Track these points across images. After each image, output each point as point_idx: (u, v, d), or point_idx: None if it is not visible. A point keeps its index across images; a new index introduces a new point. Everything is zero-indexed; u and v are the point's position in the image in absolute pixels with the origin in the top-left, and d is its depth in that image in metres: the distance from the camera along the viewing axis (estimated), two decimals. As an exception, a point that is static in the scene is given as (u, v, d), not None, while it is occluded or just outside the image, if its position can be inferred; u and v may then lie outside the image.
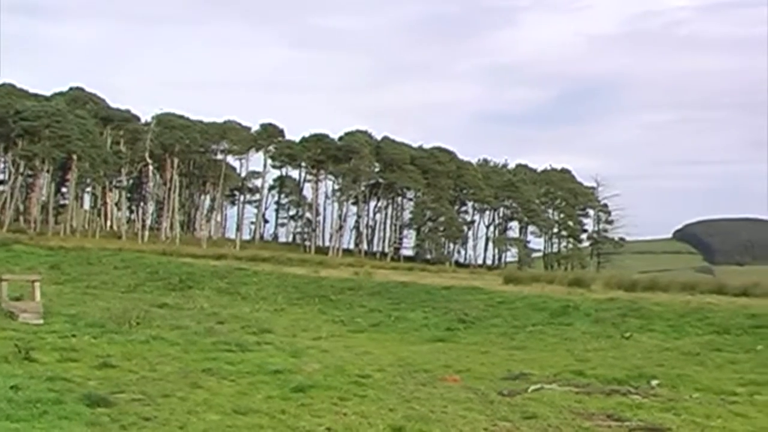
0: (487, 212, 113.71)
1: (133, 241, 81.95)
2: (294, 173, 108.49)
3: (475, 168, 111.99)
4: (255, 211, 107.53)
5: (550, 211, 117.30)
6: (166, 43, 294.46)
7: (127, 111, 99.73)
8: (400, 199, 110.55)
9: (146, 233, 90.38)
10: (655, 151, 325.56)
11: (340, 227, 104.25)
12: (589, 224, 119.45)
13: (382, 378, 14.93)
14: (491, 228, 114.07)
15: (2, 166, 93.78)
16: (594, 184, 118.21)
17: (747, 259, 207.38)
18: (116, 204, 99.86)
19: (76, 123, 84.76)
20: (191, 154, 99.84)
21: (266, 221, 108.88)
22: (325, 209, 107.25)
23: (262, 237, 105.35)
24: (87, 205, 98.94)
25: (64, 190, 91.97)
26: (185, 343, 17.72)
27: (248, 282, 39.78)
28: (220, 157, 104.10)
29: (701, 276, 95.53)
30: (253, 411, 11.30)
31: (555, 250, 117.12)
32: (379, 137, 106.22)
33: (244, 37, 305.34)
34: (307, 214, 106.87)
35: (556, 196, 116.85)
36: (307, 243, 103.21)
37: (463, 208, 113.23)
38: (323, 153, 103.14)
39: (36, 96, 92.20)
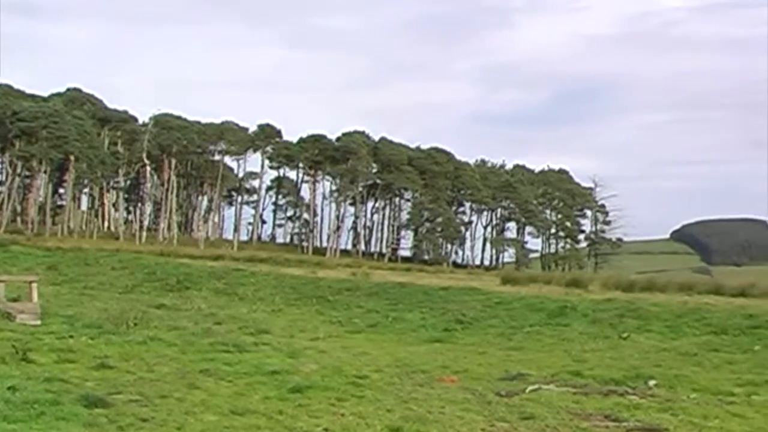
0: (485, 213, 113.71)
1: (131, 241, 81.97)
2: (291, 174, 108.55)
3: (472, 168, 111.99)
4: (252, 211, 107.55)
5: (548, 211, 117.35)
6: (164, 43, 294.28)
7: (125, 112, 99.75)
8: (397, 199, 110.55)
9: (144, 234, 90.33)
10: (653, 152, 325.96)
11: (338, 228, 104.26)
12: (586, 225, 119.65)
13: (380, 379, 14.93)
14: (489, 228, 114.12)
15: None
16: (591, 185, 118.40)
17: (744, 260, 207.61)
18: (114, 205, 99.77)
19: (73, 124, 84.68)
20: (189, 154, 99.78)
21: (264, 222, 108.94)
22: (322, 210, 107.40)
23: (259, 238, 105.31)
24: (84, 206, 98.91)
25: (61, 190, 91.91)
26: (183, 344, 17.71)
27: (246, 283, 39.78)
28: (217, 157, 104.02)
29: (699, 276, 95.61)
30: (250, 412, 11.30)
31: (552, 250, 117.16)
32: (376, 138, 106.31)
33: (241, 37, 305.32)
34: (305, 215, 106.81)
35: (554, 197, 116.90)
36: (305, 244, 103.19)
37: (461, 209, 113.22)
38: (321, 154, 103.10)
39: (33, 97, 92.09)
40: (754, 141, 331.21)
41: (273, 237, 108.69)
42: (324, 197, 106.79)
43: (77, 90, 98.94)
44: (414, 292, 34.93)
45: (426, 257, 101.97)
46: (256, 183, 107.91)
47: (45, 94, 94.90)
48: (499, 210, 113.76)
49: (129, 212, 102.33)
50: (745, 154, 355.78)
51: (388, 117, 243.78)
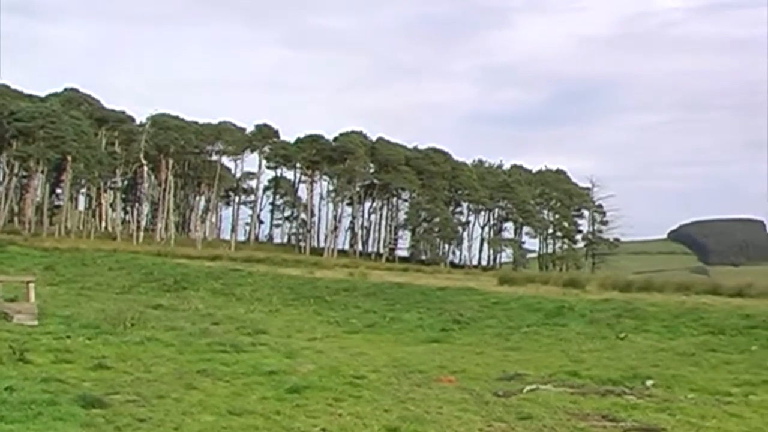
0: (482, 213, 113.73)
1: (128, 242, 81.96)
2: (289, 174, 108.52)
3: (470, 169, 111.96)
4: (250, 212, 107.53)
5: (545, 211, 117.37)
6: (162, 43, 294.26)
7: (122, 112, 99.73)
8: (395, 199, 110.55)
9: (141, 234, 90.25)
10: (650, 152, 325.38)
11: (335, 228, 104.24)
12: (584, 225, 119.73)
13: (377, 379, 14.94)
14: (486, 229, 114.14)
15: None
16: (589, 185, 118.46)
17: (742, 260, 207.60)
18: (111, 205, 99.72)
19: (70, 124, 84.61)
20: (186, 155, 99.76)
21: (261, 222, 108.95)
22: (320, 210, 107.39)
23: (257, 238, 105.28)
24: (82, 206, 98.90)
25: (58, 191, 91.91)
26: (180, 344, 17.72)
27: (243, 283, 39.78)
28: (215, 158, 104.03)
29: (696, 276, 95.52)
30: (248, 412, 11.30)
31: (550, 250, 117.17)
32: (374, 138, 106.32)
33: (240, 37, 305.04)
34: (302, 215, 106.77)
35: (551, 197, 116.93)
36: (302, 244, 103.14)
37: (458, 209, 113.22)
38: (318, 154, 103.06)
39: (30, 97, 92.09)
40: (751, 142, 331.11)
41: (270, 237, 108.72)
42: (321, 197, 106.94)
43: (74, 90, 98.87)
44: (411, 293, 34.93)
45: (423, 257, 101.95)
46: (253, 183, 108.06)
47: (42, 94, 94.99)
48: (496, 210, 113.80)
49: (126, 212, 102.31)
50: (743, 154, 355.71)
51: (387, 117, 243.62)
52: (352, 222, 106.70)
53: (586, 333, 24.62)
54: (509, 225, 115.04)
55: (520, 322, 27.11)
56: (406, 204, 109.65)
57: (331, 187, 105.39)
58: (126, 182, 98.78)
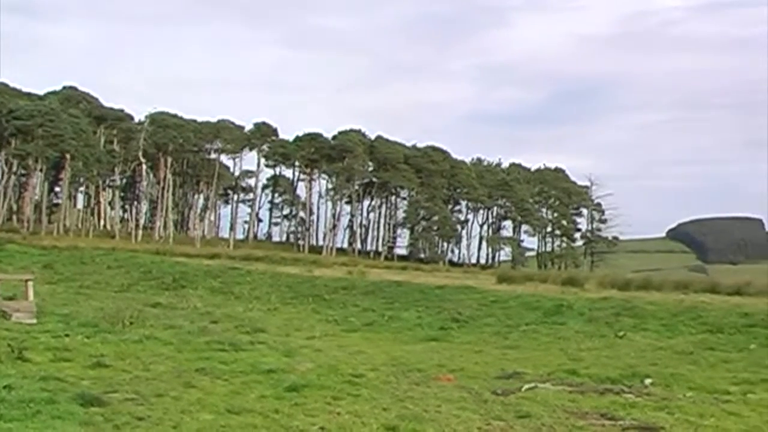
0: (481, 211, 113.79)
1: (127, 240, 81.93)
2: (287, 172, 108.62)
3: (468, 167, 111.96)
4: (248, 210, 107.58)
5: (544, 210, 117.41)
6: (161, 42, 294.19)
7: (121, 110, 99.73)
8: (393, 198, 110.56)
9: (140, 232, 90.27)
10: (649, 151, 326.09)
11: (334, 226, 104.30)
12: (582, 223, 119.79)
13: (376, 377, 14.93)
14: (485, 227, 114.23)
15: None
16: (588, 184, 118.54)
17: (740, 258, 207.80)
18: (109, 203, 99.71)
19: (69, 122, 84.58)
20: (185, 153, 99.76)
21: (260, 220, 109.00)
22: (318, 208, 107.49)
23: (255, 236, 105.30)
24: (80, 205, 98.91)
25: (57, 189, 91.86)
26: (178, 343, 17.72)
27: (242, 281, 39.75)
28: (213, 156, 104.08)
29: (694, 275, 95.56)
30: (246, 410, 11.29)
31: (548, 249, 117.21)
32: (372, 136, 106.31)
33: (238, 36, 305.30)
34: (301, 214, 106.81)
35: (550, 195, 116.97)
36: (301, 242, 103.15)
37: (457, 207, 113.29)
38: (317, 152, 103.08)
39: (29, 95, 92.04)
40: (749, 141, 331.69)
41: (269, 235, 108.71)
42: (320, 196, 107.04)
43: (73, 88, 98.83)
44: (410, 291, 34.93)
45: (422, 256, 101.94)
46: (252, 181, 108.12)
47: (41, 92, 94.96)
48: (495, 208, 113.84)
49: (125, 211, 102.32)
50: (741, 153, 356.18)
51: (386, 116, 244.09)
52: (350, 220, 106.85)
53: (585, 331, 24.61)
54: (508, 223, 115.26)
55: (518, 320, 27.10)
56: (405, 202, 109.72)
57: (329, 186, 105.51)
58: (125, 180, 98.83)
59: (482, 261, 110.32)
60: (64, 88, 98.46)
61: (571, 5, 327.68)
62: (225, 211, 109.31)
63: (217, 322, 23.80)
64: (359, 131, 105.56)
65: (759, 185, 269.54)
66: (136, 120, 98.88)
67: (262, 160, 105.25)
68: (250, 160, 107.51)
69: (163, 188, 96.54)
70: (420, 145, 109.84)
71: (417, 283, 38.20)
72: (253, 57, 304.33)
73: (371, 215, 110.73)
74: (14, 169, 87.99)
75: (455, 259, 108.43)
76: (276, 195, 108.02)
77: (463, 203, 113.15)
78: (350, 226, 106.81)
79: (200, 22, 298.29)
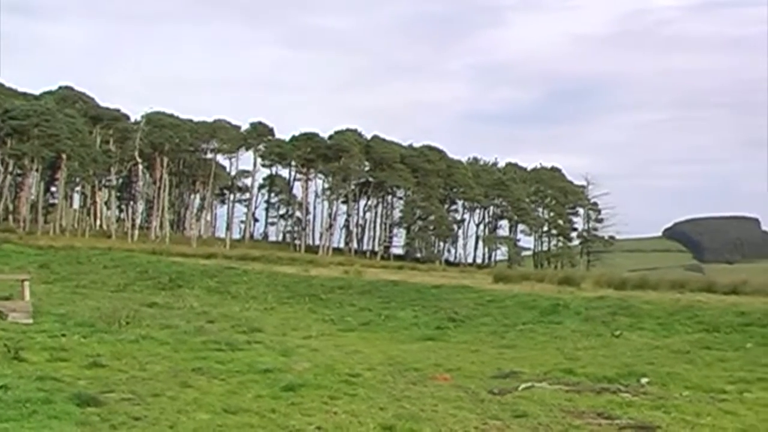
0: (477, 211, 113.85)
1: (123, 240, 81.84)
2: (284, 172, 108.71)
3: (465, 167, 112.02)
4: (245, 210, 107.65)
5: (540, 209, 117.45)
6: (156, 42, 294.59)
7: (117, 110, 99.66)
8: (390, 197, 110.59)
9: (136, 232, 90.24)
10: (645, 150, 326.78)
11: (330, 226, 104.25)
12: (579, 223, 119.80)
13: (373, 377, 14.92)
14: (481, 226, 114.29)
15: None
16: (584, 183, 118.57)
17: (736, 257, 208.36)
18: (106, 203, 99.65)
19: (65, 122, 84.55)
20: (181, 153, 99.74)
21: (256, 220, 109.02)
22: (315, 208, 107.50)
23: (252, 236, 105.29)
24: (76, 204, 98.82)
25: (53, 189, 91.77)
26: (175, 343, 17.70)
27: (238, 281, 39.70)
28: (209, 156, 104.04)
29: (691, 274, 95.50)
30: (243, 410, 11.28)
31: (545, 248, 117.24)
32: (369, 136, 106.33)
33: (237, 36, 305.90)
34: (297, 213, 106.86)
35: (546, 195, 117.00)
36: (297, 242, 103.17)
37: (453, 207, 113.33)
38: (313, 152, 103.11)
39: (25, 95, 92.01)
40: (746, 140, 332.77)
41: (265, 235, 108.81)
42: (316, 195, 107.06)
43: (69, 88, 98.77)
44: (406, 291, 34.90)
45: (418, 255, 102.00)
46: (248, 181, 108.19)
47: (37, 92, 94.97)
48: (491, 208, 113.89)
49: (121, 210, 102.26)
50: (737, 152, 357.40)
51: (383, 116, 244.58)
52: (347, 220, 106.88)
53: (581, 331, 24.60)
54: (504, 223, 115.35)
55: (515, 319, 27.09)
56: (401, 202, 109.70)
57: (326, 185, 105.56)
58: (121, 180, 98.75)
59: (478, 260, 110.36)
60: (60, 88, 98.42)
61: (567, 5, 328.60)
62: (221, 210, 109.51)
63: (214, 321, 23.76)
64: (355, 131, 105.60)
65: (755, 184, 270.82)
66: (133, 120, 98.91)
67: (259, 160, 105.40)
68: (246, 159, 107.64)
69: (160, 188, 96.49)
70: (416, 144, 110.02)
71: (413, 282, 38.18)
72: (251, 56, 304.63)
73: (367, 215, 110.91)
74: (10, 168, 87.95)
75: (451, 259, 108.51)
76: (272, 195, 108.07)
77: (460, 203, 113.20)
78: (346, 226, 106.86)
79: (199, 21, 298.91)
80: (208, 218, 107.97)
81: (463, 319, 27.67)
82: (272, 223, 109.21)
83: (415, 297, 33.08)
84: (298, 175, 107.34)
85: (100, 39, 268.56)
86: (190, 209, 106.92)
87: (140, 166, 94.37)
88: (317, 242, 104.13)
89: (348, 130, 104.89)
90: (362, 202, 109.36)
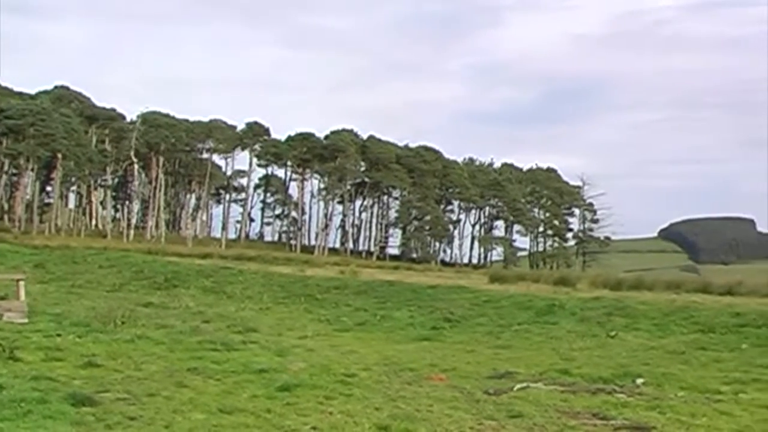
0: (473, 211, 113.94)
1: (119, 239, 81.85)
2: (280, 172, 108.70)
3: (461, 167, 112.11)
4: (241, 210, 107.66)
5: (536, 210, 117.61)
6: (156, 42, 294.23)
7: (113, 110, 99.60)
8: (385, 198, 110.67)
9: (131, 232, 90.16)
10: (641, 151, 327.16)
11: (326, 226, 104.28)
12: (574, 223, 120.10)
13: (368, 377, 14.92)
14: (477, 227, 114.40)
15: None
16: (580, 183, 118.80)
17: (732, 258, 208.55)
18: (101, 203, 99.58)
19: (61, 122, 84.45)
20: (177, 152, 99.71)
21: (252, 220, 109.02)
22: (310, 208, 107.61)
23: (247, 236, 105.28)
24: (72, 204, 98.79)
25: (48, 188, 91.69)
26: (170, 342, 17.68)
27: (234, 281, 39.66)
28: (205, 155, 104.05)
29: (686, 275, 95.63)
30: (238, 410, 11.27)
31: (541, 249, 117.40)
32: (364, 136, 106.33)
33: (234, 36, 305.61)
34: (293, 213, 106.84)
35: (542, 195, 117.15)
36: (293, 242, 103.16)
37: (449, 207, 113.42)
38: (309, 152, 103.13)
39: (21, 94, 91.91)
40: (742, 140, 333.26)
41: (261, 235, 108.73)
42: (312, 195, 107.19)
43: (65, 88, 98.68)
44: (402, 291, 34.88)
45: (414, 255, 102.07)
46: (244, 181, 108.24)
47: (32, 92, 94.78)
48: (487, 208, 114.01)
49: (117, 210, 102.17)
50: (734, 153, 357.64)
51: (382, 116, 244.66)
52: (342, 220, 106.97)
53: (577, 331, 24.60)
54: (500, 223, 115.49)
55: (510, 320, 27.08)
56: (397, 202, 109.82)
57: (321, 185, 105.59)
58: (116, 180, 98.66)
59: (474, 261, 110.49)
60: (56, 87, 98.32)
61: (565, 5, 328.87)
62: (217, 210, 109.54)
63: (209, 321, 23.74)
64: (351, 131, 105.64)
65: (752, 185, 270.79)
66: (128, 120, 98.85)
67: (254, 160, 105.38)
68: (242, 159, 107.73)
69: (155, 188, 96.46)
70: (412, 144, 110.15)
71: (409, 282, 38.15)
72: (251, 56, 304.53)
73: (363, 215, 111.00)
74: (5, 168, 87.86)
75: (447, 259, 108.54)
76: (268, 195, 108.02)
77: (455, 203, 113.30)
78: (342, 226, 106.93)
79: (199, 21, 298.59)
80: (204, 218, 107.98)
81: (458, 319, 27.66)
82: (268, 223, 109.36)
83: (410, 297, 33.06)
84: (294, 175, 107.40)
85: (99, 39, 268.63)
86: (185, 209, 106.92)
87: (136, 166, 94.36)
88: (313, 242, 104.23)
89: (344, 130, 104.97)
90: (358, 203, 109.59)
